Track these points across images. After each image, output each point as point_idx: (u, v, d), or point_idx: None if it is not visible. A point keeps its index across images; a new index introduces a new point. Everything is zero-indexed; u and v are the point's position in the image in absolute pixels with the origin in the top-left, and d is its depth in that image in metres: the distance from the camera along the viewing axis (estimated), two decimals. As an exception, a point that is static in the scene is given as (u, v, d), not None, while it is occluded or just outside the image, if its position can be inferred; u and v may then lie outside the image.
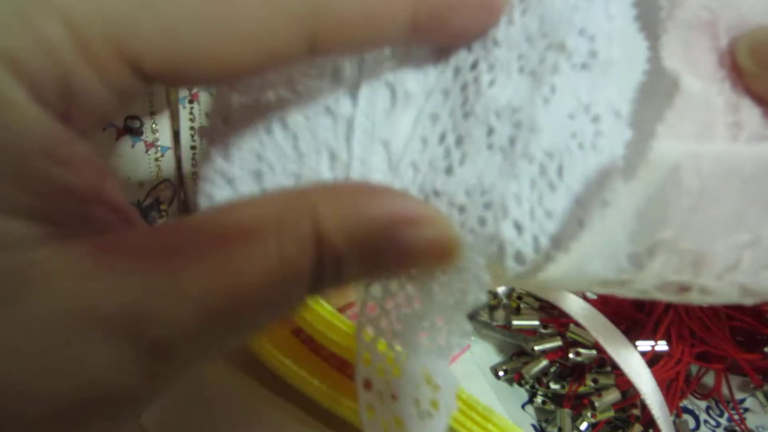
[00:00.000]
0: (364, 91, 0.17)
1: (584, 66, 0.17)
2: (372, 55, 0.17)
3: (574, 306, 0.36)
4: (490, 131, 0.16)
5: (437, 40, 0.17)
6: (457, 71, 0.17)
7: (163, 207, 0.48)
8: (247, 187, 0.17)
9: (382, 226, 0.14)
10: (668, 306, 0.38)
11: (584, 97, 0.16)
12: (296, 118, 0.17)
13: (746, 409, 0.39)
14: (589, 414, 0.36)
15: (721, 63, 0.16)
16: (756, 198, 0.14)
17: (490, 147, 0.16)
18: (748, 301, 0.15)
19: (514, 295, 0.41)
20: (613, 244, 0.15)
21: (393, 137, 0.17)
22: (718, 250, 0.15)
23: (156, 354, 0.12)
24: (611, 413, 0.37)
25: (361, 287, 0.18)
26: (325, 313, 0.29)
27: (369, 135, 0.17)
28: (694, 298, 0.15)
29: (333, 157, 0.17)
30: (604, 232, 0.15)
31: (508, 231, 0.16)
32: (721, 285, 0.15)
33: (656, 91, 0.16)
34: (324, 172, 0.17)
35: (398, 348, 0.17)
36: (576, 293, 0.37)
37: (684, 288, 0.15)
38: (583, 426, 0.36)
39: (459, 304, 0.16)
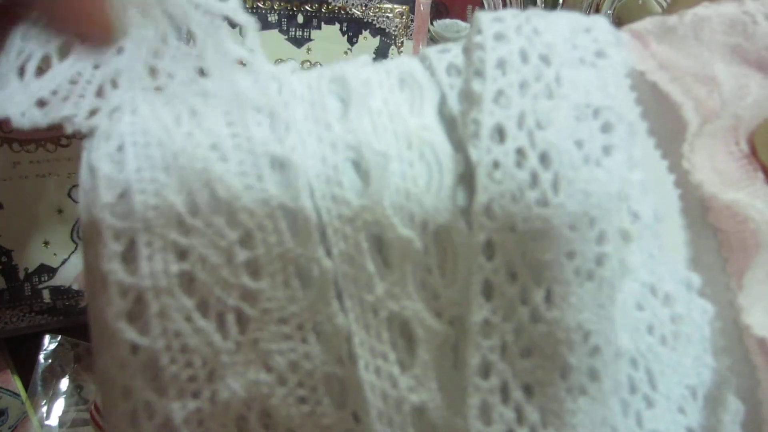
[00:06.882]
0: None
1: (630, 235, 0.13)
2: None
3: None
4: (564, 371, 0.12)
5: None
6: (495, 308, 0.13)
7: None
8: None
9: None
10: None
11: (645, 275, 0.13)
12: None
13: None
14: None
15: (749, 164, 0.15)
16: None
17: (568, 391, 0.12)
18: None
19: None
20: None
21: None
22: None
23: None
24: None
25: None
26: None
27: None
28: None
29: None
30: None
31: None
32: None
33: (704, 225, 0.14)
34: None
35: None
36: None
37: None
38: None
39: None
